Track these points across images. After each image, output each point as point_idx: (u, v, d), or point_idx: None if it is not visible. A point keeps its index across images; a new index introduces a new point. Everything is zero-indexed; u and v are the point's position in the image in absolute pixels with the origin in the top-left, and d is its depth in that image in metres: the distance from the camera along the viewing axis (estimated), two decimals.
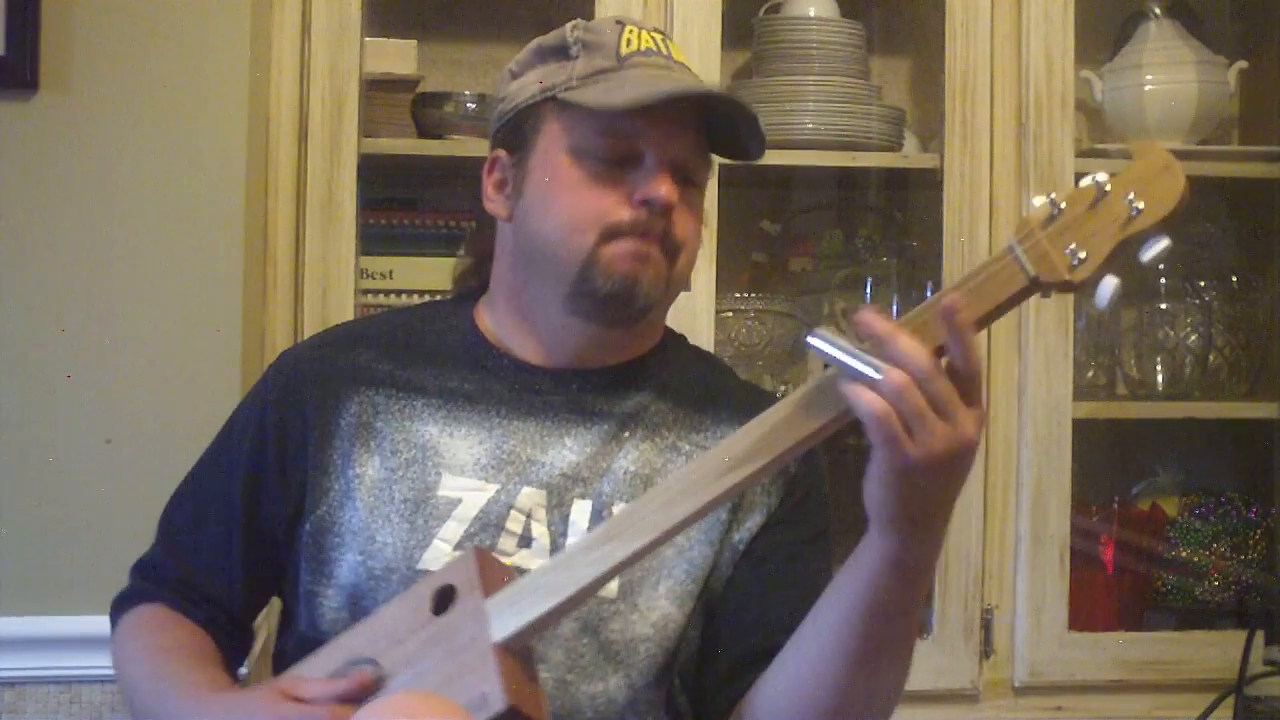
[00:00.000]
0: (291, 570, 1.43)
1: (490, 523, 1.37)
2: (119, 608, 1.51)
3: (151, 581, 1.50)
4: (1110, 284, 1.13)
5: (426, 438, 1.41)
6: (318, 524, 1.40)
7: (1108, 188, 1.12)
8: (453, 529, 1.36)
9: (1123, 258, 1.13)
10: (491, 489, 1.38)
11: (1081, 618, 2.28)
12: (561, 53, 1.41)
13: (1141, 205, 1.12)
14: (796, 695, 1.28)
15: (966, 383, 1.10)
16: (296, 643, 1.40)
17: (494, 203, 1.45)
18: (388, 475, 1.39)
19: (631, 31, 1.41)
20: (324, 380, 1.45)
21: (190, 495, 1.52)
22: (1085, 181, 1.14)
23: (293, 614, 1.44)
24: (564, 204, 1.38)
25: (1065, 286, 1.13)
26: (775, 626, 1.33)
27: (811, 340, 1.12)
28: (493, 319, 1.48)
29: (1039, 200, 1.14)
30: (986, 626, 2.24)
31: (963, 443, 1.10)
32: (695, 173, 1.41)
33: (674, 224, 1.38)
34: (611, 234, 1.36)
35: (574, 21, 1.44)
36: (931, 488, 1.11)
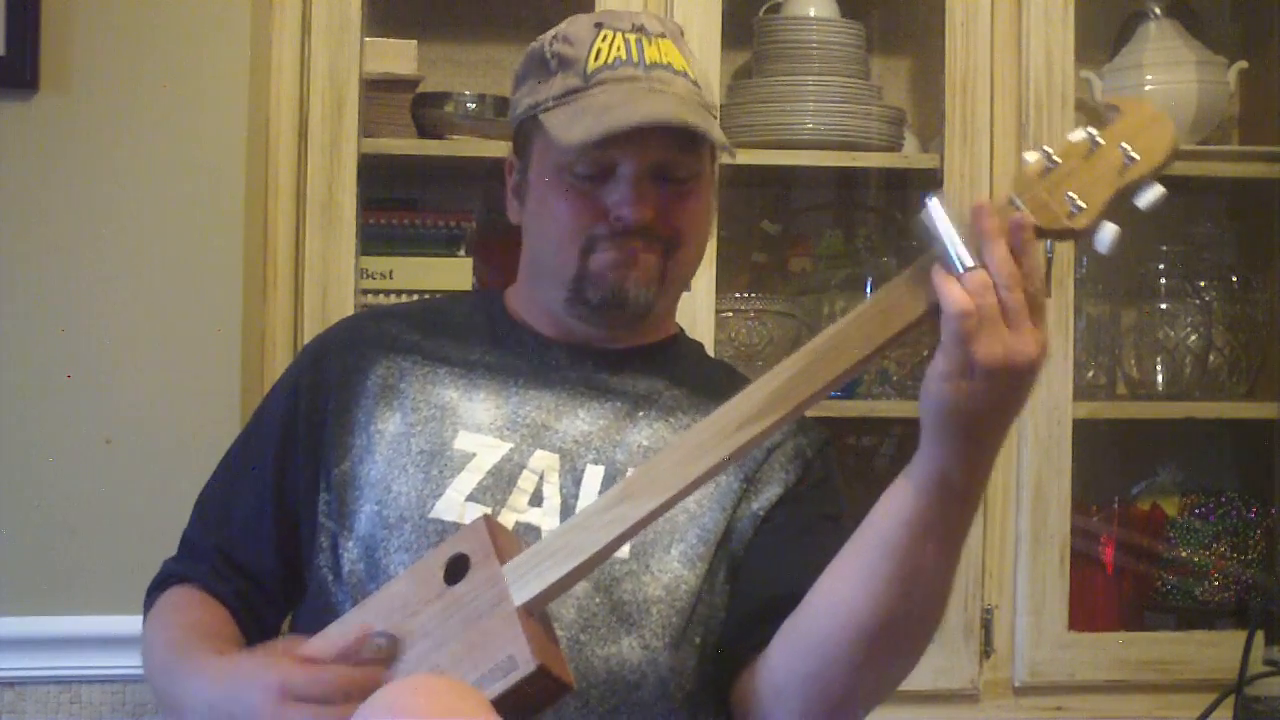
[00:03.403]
0: (314, 531, 1.45)
1: (503, 477, 1.40)
2: (150, 595, 1.52)
3: (185, 559, 1.52)
4: (1110, 230, 1.15)
5: (446, 400, 1.46)
6: (341, 478, 1.44)
7: (1100, 139, 1.15)
8: (466, 480, 1.40)
9: (1121, 229, 1.14)
10: (505, 447, 1.42)
11: (1081, 618, 2.28)
12: (543, 66, 1.44)
13: (1136, 154, 1.14)
14: (830, 619, 1.26)
15: (1031, 300, 1.13)
16: (314, 596, 1.43)
17: (510, 207, 1.52)
18: (406, 430, 1.44)
19: (604, 39, 1.42)
20: (353, 346, 1.51)
21: (224, 469, 1.55)
22: (1076, 135, 1.16)
23: (313, 570, 1.45)
24: (550, 220, 1.44)
25: (1066, 234, 1.16)
26: (792, 578, 1.33)
27: (931, 204, 1.14)
28: (519, 303, 1.54)
29: (1031, 155, 1.16)
30: (986, 626, 2.24)
31: (1025, 356, 1.12)
32: (679, 169, 1.42)
33: (671, 218, 1.42)
34: (592, 246, 1.41)
35: (555, 31, 1.46)
36: (988, 396, 1.13)
